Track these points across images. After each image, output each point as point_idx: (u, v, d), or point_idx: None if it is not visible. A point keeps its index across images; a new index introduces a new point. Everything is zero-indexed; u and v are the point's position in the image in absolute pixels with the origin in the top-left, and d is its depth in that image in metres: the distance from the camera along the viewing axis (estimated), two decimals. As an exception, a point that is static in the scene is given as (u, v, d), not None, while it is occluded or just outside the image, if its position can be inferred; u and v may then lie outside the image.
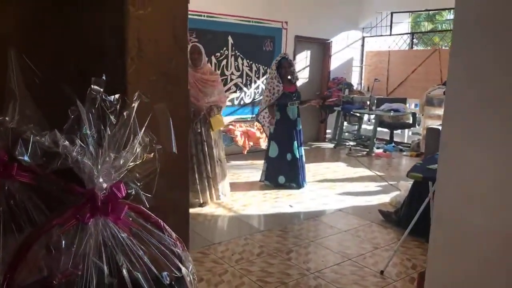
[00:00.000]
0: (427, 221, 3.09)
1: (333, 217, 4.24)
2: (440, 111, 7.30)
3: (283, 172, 5.09)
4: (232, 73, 7.05)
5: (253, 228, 3.94)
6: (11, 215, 1.06)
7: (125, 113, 0.85)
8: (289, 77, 4.91)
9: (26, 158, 0.76)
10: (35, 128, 0.77)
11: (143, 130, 0.90)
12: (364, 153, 7.46)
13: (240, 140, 6.56)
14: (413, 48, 8.81)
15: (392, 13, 8.51)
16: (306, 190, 5.09)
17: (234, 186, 5.07)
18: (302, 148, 5.16)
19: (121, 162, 0.85)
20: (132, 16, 1.10)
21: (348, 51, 8.75)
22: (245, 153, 6.65)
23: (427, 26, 12.68)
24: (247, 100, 7.34)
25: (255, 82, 7.39)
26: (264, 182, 5.22)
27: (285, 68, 4.88)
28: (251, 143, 6.70)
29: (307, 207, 4.53)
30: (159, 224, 0.96)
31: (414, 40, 9.08)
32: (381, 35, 8.77)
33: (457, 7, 1.31)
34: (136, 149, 0.89)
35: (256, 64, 7.32)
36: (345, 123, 8.13)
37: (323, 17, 7.92)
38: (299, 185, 5.06)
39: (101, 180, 0.81)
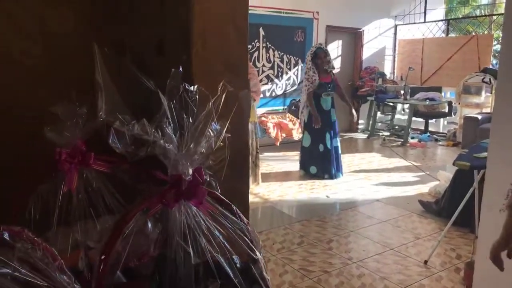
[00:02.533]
0: (471, 211, 3.05)
1: (371, 208, 4.22)
2: (478, 99, 7.09)
3: (315, 162, 5.10)
4: (263, 65, 7.06)
5: (291, 218, 3.97)
6: (88, 201, 1.13)
7: (209, 103, 0.88)
8: (325, 67, 4.88)
9: (119, 146, 0.81)
10: (124, 118, 0.81)
11: (214, 118, 0.94)
12: (399, 143, 7.34)
13: (272, 132, 6.58)
14: (449, 35, 8.54)
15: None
16: (342, 180, 5.07)
17: (269, 177, 5.11)
18: (338, 139, 5.13)
19: (200, 149, 0.89)
20: (197, 9, 1.13)
21: (380, 39, 8.59)
22: (278, 144, 6.67)
23: (463, 10, 12.25)
24: (279, 91, 7.34)
25: (286, 73, 7.38)
26: (299, 171, 5.28)
27: (321, 58, 4.85)
28: (284, 135, 6.71)
29: (344, 197, 4.52)
30: (232, 208, 1.00)
31: (450, 27, 8.79)
32: (415, 23, 8.55)
33: None
34: (211, 137, 0.93)
35: (288, 56, 7.30)
36: (378, 113, 8.02)
37: (355, 5, 7.79)
38: (331, 176, 5.05)
39: (183, 166, 0.85)
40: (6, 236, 0.73)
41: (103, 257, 0.81)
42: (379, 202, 4.37)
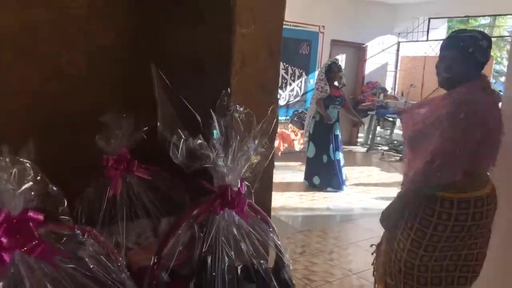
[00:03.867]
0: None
1: (371, 221, 4.30)
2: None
3: (318, 173, 5.20)
4: (268, 75, 7.18)
5: (293, 228, 4.06)
6: (130, 205, 1.23)
7: (255, 122, 0.99)
8: (335, 83, 5.03)
9: (179, 158, 0.91)
10: (183, 133, 0.91)
11: (258, 136, 1.04)
12: (397, 158, 7.47)
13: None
14: (450, 55, 8.70)
15: (429, 19, 8.46)
16: (342, 193, 5.17)
17: (271, 186, 5.20)
18: (340, 153, 5.25)
19: (243, 163, 0.99)
20: (238, 34, 1.24)
21: (383, 55, 8.76)
22: (279, 154, 6.77)
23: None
24: (282, 102, 7.46)
25: (290, 84, 7.51)
26: (303, 181, 5.37)
27: (334, 72, 5.00)
28: (286, 145, 6.82)
29: (344, 209, 4.63)
30: (265, 217, 1.10)
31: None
32: (417, 41, 8.73)
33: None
34: (251, 152, 1.03)
35: (292, 67, 7.44)
36: (378, 128, 8.15)
37: (360, 21, 7.96)
38: (334, 188, 5.15)
39: (230, 178, 0.95)
40: (78, 234, 0.83)
41: (156, 257, 0.90)
42: (378, 215, 4.46)
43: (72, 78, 1.46)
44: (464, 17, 9.28)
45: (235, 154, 0.96)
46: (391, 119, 8.02)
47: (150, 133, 1.27)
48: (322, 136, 5.12)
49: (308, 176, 5.33)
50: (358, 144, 8.65)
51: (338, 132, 5.18)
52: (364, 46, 8.42)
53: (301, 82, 7.59)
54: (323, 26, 7.56)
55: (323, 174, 5.18)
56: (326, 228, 4.00)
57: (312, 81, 7.81)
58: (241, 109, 0.97)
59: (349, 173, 6.22)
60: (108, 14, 1.50)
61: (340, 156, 5.25)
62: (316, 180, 5.22)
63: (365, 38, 8.33)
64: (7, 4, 1.33)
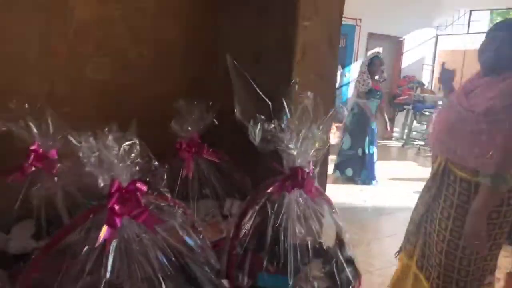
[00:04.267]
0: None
1: (407, 215, 4.30)
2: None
3: (352, 165, 5.22)
4: (304, 69, 7.21)
5: (331, 219, 4.11)
6: (200, 185, 1.33)
7: (323, 110, 1.06)
8: (376, 76, 5.02)
9: (256, 141, 0.99)
10: (260, 118, 0.99)
11: (323, 121, 1.11)
12: (434, 153, 7.34)
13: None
14: (491, 48, 8.44)
15: (471, 11, 8.24)
16: (378, 186, 5.17)
17: (307, 179, 5.25)
18: (374, 147, 5.25)
19: (310, 147, 1.06)
20: (301, 26, 1.31)
21: (420, 49, 8.60)
22: (314, 147, 6.81)
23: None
24: (317, 95, 7.46)
25: (325, 78, 7.50)
26: (334, 173, 5.39)
27: (376, 66, 4.99)
28: (320, 138, 6.84)
29: (380, 202, 4.63)
30: (329, 200, 1.18)
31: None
32: (457, 34, 8.52)
33: None
34: (317, 137, 1.10)
35: (328, 61, 7.42)
36: (414, 122, 8.04)
37: (397, 14, 7.84)
38: (366, 181, 5.17)
39: (300, 160, 1.03)
40: (172, 206, 0.93)
41: (235, 230, 0.99)
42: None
43: (142, 69, 1.57)
44: (507, 9, 8.97)
45: (304, 139, 1.03)
46: (428, 113, 7.89)
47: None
48: (358, 129, 5.12)
49: (340, 167, 5.35)
50: (393, 138, 8.55)
51: (374, 126, 5.17)
52: (401, 39, 8.29)
53: (337, 75, 7.57)
54: (360, 19, 7.50)
55: (356, 167, 5.20)
56: (362, 220, 4.03)
57: (348, 75, 7.78)
58: (311, 96, 1.04)
59: (386, 166, 6.19)
60: (174, 8, 1.60)
61: (374, 150, 5.25)
62: (349, 171, 5.24)
63: (402, 31, 8.20)
64: (87, -1, 1.45)
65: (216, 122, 1.30)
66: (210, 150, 1.34)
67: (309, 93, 1.03)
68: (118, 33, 1.53)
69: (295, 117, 1.05)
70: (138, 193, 0.82)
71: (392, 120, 8.45)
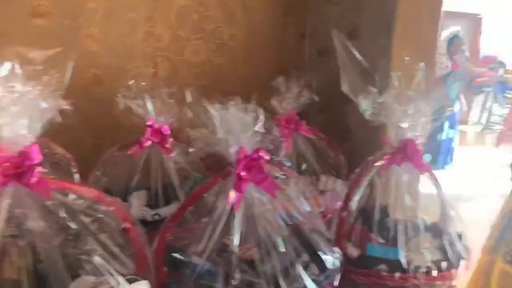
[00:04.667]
0: None
1: (490, 201, 4.07)
2: None
3: (430, 150, 5.01)
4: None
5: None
6: (297, 161, 1.36)
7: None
8: (457, 55, 4.75)
9: (367, 115, 0.99)
10: (371, 90, 1.00)
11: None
12: (517, 138, 6.83)
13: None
14: None
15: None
16: (455, 172, 4.93)
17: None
18: (454, 131, 5.00)
19: (418, 121, 1.05)
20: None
21: (502, 26, 7.96)
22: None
23: None
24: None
25: (396, 60, 7.22)
26: None
27: (456, 45, 4.71)
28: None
29: (461, 188, 4.41)
30: (434, 175, 1.15)
31: None
32: (545, 7, 7.78)
33: None
34: (422, 112, 1.08)
35: (399, 42, 7.13)
36: (495, 106, 7.50)
37: (476, -11, 7.32)
38: (443, 166, 4.95)
39: (410, 134, 1.02)
40: (285, 176, 0.97)
41: (344, 202, 1.01)
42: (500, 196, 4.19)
43: (234, 49, 1.63)
44: None
45: (414, 112, 1.02)
46: (510, 96, 7.32)
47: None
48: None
49: None
50: (469, 122, 8.05)
51: (457, 110, 4.91)
52: (479, 16, 7.72)
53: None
54: (434, -3, 7.09)
55: (435, 152, 4.98)
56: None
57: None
58: (423, 67, 1.02)
59: (463, 152, 5.87)
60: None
61: (454, 134, 4.99)
62: (428, 157, 5.03)
63: (480, 7, 7.63)
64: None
65: (317, 99, 1.31)
66: (307, 127, 1.36)
67: (421, 64, 1.01)
68: (212, 16, 1.59)
69: (402, 89, 1.03)
70: (261, 160, 0.86)
71: (470, 104, 7.96)
